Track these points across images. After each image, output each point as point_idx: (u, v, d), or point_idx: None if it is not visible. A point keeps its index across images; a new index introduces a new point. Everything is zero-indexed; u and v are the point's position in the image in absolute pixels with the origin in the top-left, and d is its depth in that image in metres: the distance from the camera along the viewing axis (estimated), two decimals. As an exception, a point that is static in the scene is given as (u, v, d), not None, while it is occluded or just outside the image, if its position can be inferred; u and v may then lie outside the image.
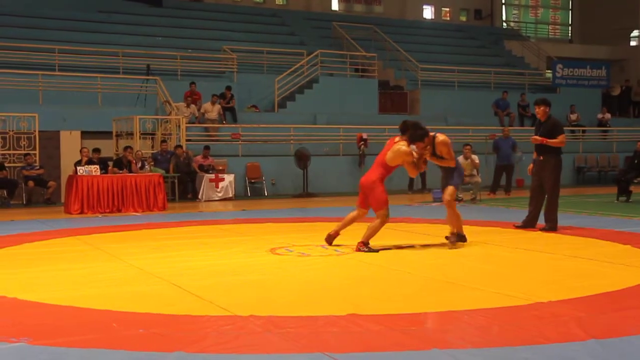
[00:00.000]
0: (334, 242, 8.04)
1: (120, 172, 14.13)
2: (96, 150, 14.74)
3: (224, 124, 18.78)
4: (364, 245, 7.69)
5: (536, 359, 3.73)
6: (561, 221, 9.57)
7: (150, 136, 17.12)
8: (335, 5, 30.17)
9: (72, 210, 12.98)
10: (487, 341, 4.08)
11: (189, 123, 17.72)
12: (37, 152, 15.64)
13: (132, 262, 7.03)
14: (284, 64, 21.62)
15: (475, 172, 14.84)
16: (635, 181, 14.98)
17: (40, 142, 15.81)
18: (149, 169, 15.02)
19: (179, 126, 16.93)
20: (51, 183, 15.35)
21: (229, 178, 16.26)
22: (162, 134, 17.01)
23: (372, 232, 7.78)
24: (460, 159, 13.54)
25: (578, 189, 19.28)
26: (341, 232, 8.10)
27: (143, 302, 5.19)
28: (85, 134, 16.80)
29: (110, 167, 14.34)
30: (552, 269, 6.61)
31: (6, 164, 15.31)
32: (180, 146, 16.40)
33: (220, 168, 16.49)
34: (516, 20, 34.89)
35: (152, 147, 17.06)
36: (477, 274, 6.39)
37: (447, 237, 8.11)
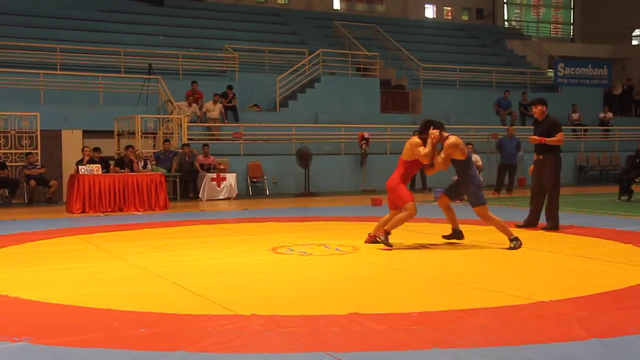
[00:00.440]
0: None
1: (122, 171, 14.14)
2: (96, 150, 14.75)
3: (225, 123, 18.78)
4: (384, 233, 7.69)
5: (538, 358, 3.72)
6: (562, 220, 9.57)
7: (152, 135, 17.12)
8: (336, 5, 30.18)
9: (73, 209, 12.99)
10: (489, 340, 4.07)
11: (191, 122, 17.73)
12: (38, 151, 15.64)
13: (133, 262, 7.03)
14: (286, 63, 21.63)
15: (477, 172, 14.79)
16: (637, 180, 14.95)
17: (42, 141, 15.81)
18: (151, 168, 15.03)
19: (181, 125, 16.95)
20: (53, 182, 15.35)
21: (230, 177, 16.26)
22: (163, 134, 17.01)
23: (397, 223, 7.76)
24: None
25: (580, 188, 19.27)
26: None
27: (145, 301, 5.19)
28: (86, 133, 16.81)
29: (112, 167, 14.36)
30: (553, 268, 6.60)
31: (8, 163, 15.32)
32: (188, 145, 16.40)
33: (222, 167, 16.48)
34: (518, 19, 34.88)
35: (154, 146, 17.07)
36: (479, 273, 6.38)
37: (513, 242, 7.76)
